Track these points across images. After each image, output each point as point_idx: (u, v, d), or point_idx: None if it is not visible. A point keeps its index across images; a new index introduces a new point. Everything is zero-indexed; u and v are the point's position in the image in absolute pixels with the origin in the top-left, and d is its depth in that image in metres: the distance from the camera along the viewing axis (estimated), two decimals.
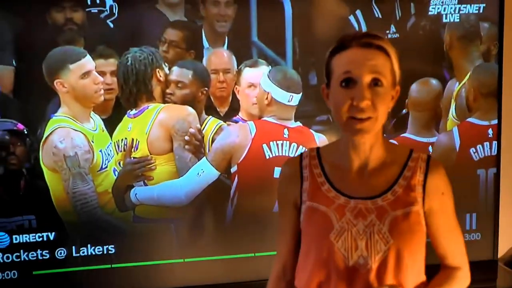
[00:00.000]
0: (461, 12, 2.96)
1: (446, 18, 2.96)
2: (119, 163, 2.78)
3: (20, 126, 2.75)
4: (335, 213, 1.60)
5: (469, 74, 2.98)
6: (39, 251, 2.80)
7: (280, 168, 2.67)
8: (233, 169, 2.75)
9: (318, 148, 1.72)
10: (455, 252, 1.71)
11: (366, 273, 1.58)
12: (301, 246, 1.69)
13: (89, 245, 2.82)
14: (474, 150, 2.96)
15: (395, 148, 1.77)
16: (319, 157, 1.69)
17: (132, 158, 2.73)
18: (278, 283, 1.76)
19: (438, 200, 1.64)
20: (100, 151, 2.76)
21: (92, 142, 2.74)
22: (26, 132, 2.76)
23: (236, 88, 2.89)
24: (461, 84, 3.03)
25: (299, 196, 1.67)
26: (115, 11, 2.80)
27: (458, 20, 2.96)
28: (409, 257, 1.60)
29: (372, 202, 1.60)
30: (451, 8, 2.94)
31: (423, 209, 1.62)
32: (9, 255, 2.78)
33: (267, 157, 2.75)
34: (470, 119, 2.98)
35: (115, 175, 2.79)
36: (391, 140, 1.93)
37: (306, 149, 1.75)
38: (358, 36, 1.57)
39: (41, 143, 2.70)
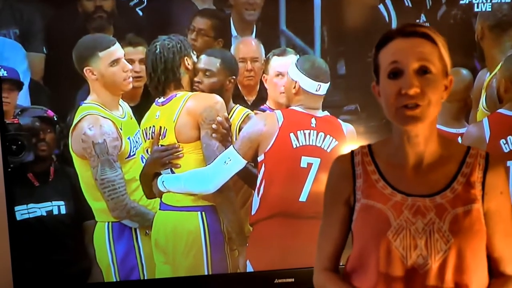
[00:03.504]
0: (493, 1, 2.91)
1: (477, 7, 2.91)
2: (147, 151, 2.80)
3: (50, 112, 2.78)
4: (392, 210, 1.55)
5: (500, 64, 2.93)
6: None
7: (306, 158, 2.74)
8: (260, 158, 2.74)
9: (369, 145, 1.66)
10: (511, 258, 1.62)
11: (425, 273, 1.53)
12: (354, 247, 1.63)
13: None
14: (504, 142, 2.92)
15: (451, 143, 1.70)
16: (371, 154, 1.64)
17: (159, 146, 2.75)
18: (324, 272, 1.70)
19: (496, 200, 1.57)
20: (128, 138, 2.78)
21: (121, 129, 2.75)
22: (55, 119, 2.79)
23: (264, 77, 2.89)
24: (492, 75, 2.99)
25: (352, 194, 1.62)
26: None
27: (490, 9, 2.91)
28: (471, 257, 1.53)
29: (430, 200, 1.54)
30: None
31: (483, 207, 1.55)
32: None
33: (294, 146, 2.74)
34: (500, 110, 2.93)
35: (143, 163, 2.81)
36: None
37: (357, 146, 1.68)
38: (401, 27, 1.55)
39: (71, 130, 2.72)
